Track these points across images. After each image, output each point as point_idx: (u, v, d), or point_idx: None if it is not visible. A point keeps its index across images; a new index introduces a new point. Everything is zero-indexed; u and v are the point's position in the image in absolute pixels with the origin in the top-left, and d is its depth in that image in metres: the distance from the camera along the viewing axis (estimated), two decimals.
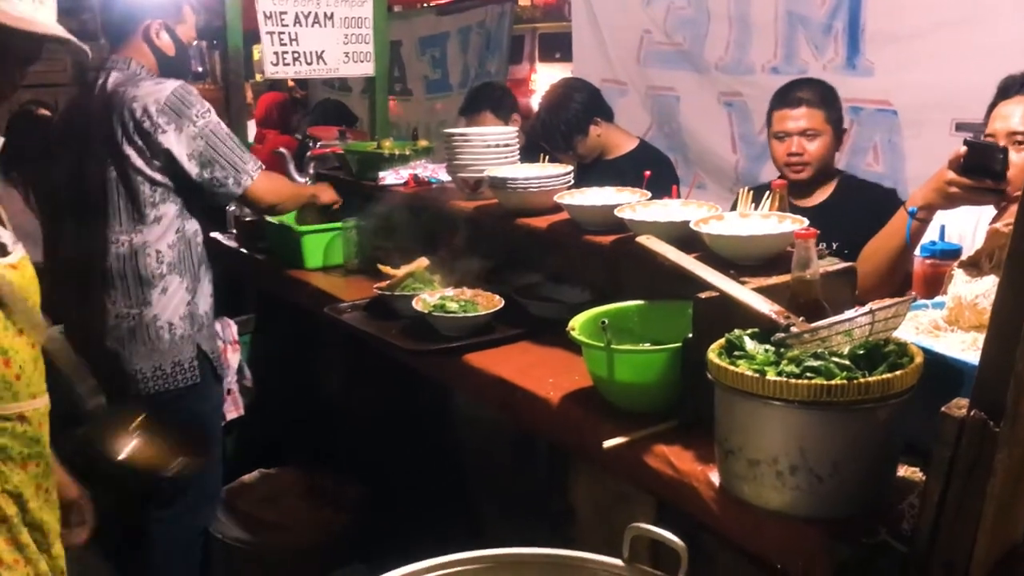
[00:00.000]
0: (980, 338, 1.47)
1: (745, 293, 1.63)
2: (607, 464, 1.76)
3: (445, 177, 2.92)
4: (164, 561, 2.69)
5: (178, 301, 2.60)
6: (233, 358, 3.08)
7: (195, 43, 2.83)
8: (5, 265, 1.62)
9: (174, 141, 2.49)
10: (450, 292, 2.38)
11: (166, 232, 2.56)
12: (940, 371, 1.44)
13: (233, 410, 3.08)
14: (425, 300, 2.34)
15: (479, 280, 2.45)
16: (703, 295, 1.67)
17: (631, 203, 2.14)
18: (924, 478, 1.42)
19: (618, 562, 1.47)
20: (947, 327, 1.62)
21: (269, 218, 3.18)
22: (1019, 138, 2.08)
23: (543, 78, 5.82)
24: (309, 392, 3.12)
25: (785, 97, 2.88)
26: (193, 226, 2.63)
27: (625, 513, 1.89)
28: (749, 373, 1.38)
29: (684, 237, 1.95)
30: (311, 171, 3.55)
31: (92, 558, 2.64)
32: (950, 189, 2.01)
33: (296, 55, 4.04)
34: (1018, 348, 1.13)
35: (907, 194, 2.57)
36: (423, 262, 2.53)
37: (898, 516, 1.40)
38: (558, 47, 8.67)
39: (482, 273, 2.47)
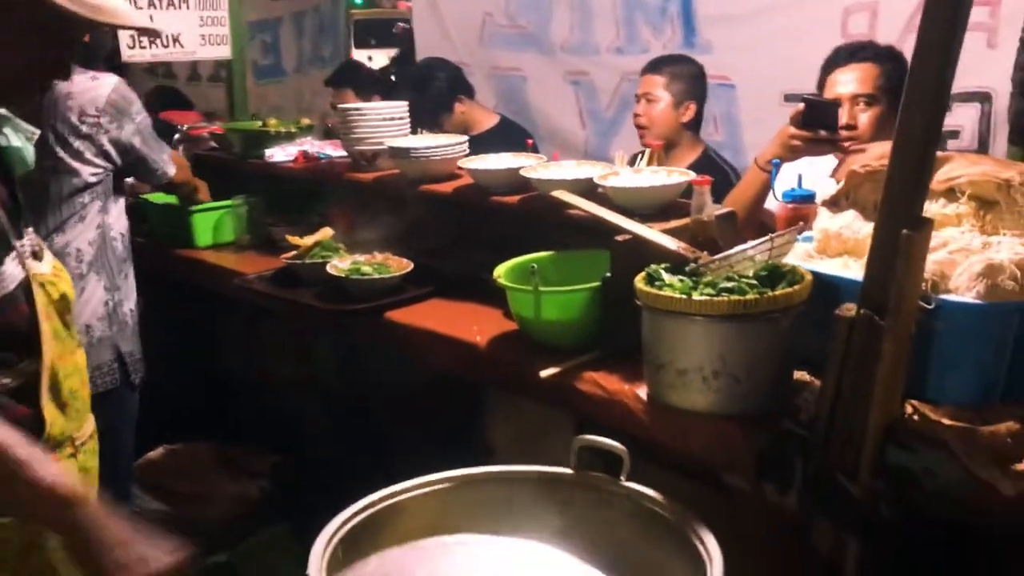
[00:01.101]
0: (848, 260, 1.80)
1: (655, 235, 1.88)
2: (541, 394, 1.97)
3: (332, 152, 3.04)
4: None
5: (96, 301, 2.53)
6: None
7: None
8: (50, 275, 1.59)
9: (114, 138, 2.49)
10: (361, 258, 2.52)
11: (86, 230, 2.50)
12: (820, 290, 1.73)
13: None
14: (338, 266, 2.47)
15: (383, 246, 2.60)
16: (620, 238, 1.91)
17: (533, 165, 2.36)
18: (812, 379, 1.72)
19: (568, 471, 1.69)
20: (817, 255, 1.93)
21: (150, 198, 3.18)
22: (863, 99, 2.45)
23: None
24: (207, 369, 3.15)
25: (646, 67, 3.35)
26: (111, 219, 2.58)
27: (543, 443, 2.12)
28: (677, 296, 1.63)
29: (586, 192, 2.19)
30: (179, 152, 3.55)
31: None
32: (792, 142, 2.34)
33: (152, 39, 3.99)
34: (896, 258, 1.43)
35: (746, 159, 2.96)
36: (328, 232, 2.64)
37: (796, 410, 1.68)
38: (372, 33, 8.86)
39: (386, 239, 2.62)
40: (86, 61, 2.60)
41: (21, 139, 2.17)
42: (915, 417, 1.52)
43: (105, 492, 2.50)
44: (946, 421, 1.49)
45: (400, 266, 2.48)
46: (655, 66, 3.31)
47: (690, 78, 3.25)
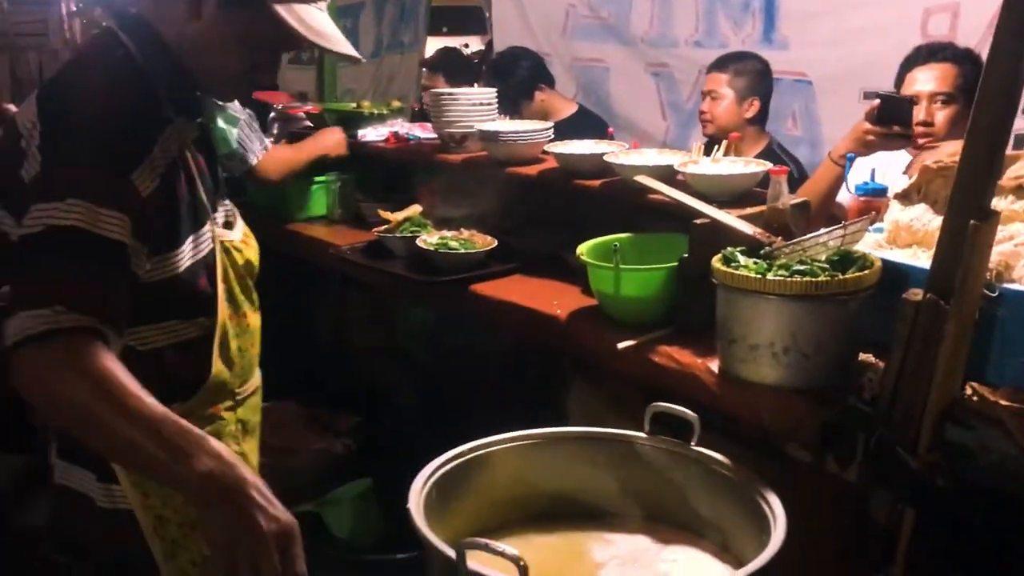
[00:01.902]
0: (917, 251, 1.89)
1: (733, 219, 2.00)
2: (618, 365, 2.10)
3: (421, 134, 3.20)
4: None
5: None
6: None
7: None
8: (238, 242, 1.73)
9: None
10: (448, 233, 2.67)
11: None
12: (888, 276, 1.83)
13: None
14: (427, 240, 2.63)
15: (470, 224, 2.75)
16: (698, 221, 2.03)
17: (615, 152, 2.49)
18: (876, 360, 1.82)
19: (642, 435, 1.82)
20: (887, 246, 2.02)
21: None
22: (940, 97, 2.53)
23: (428, 50, 6.15)
24: (300, 334, 3.34)
25: (712, 64, 3.49)
26: None
27: (615, 414, 2.25)
28: (753, 275, 1.75)
29: (666, 178, 2.31)
30: (274, 131, 3.75)
31: None
32: (867, 137, 2.43)
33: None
34: (963, 247, 1.53)
35: (823, 154, 3.03)
36: (417, 208, 2.81)
37: (860, 388, 1.79)
38: (445, 20, 9.01)
39: (472, 217, 2.77)
40: None
41: (224, 122, 2.38)
42: (974, 398, 1.62)
43: None
44: (1003, 402, 1.58)
45: (485, 243, 2.62)
46: (720, 64, 3.44)
47: (754, 74, 3.36)
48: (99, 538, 1.59)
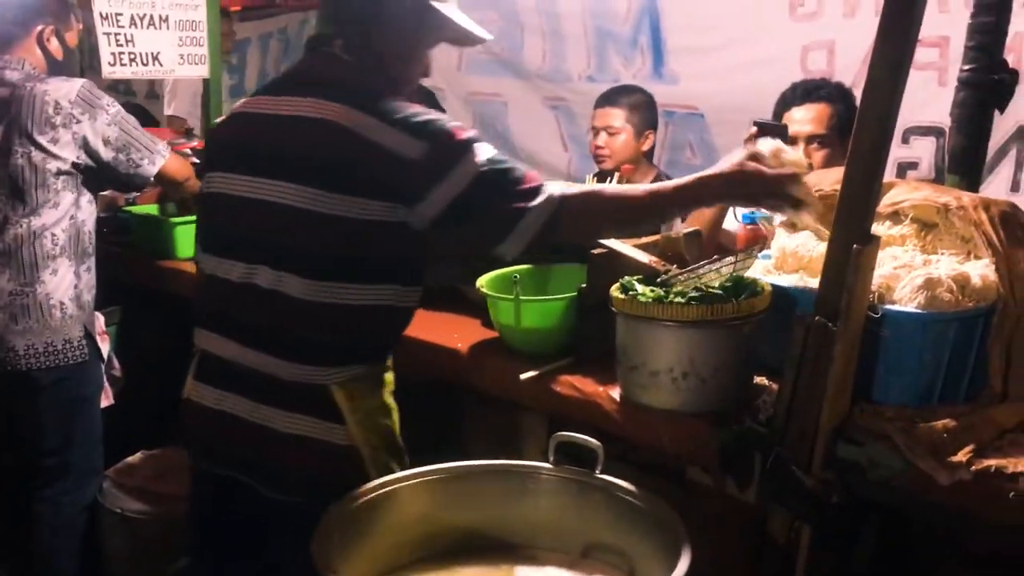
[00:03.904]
0: (804, 276, 1.97)
1: (629, 249, 2.04)
2: (520, 397, 2.11)
3: None
4: (52, 537, 2.78)
5: (67, 284, 2.73)
6: (103, 347, 3.15)
7: (76, 49, 2.95)
8: None
9: (88, 129, 2.67)
10: None
11: (62, 218, 2.70)
12: (778, 301, 1.89)
13: (104, 399, 3.15)
14: None
15: None
16: (595, 251, 2.06)
17: None
18: (770, 382, 1.88)
19: (547, 465, 1.82)
20: (775, 271, 2.09)
21: (133, 210, 3.28)
22: (816, 140, 2.65)
23: None
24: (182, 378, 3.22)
25: (602, 99, 3.51)
26: (84, 215, 2.77)
27: (518, 445, 2.26)
28: (651, 303, 1.78)
29: None
30: None
31: None
32: None
33: (132, 56, 4.08)
34: (847, 270, 1.60)
35: None
36: None
37: (756, 409, 1.84)
38: None
39: None
40: (59, 71, 2.79)
41: None
42: (863, 415, 1.68)
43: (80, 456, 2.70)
44: (890, 419, 1.65)
45: None
46: (609, 99, 3.45)
47: (647, 108, 3.43)
48: (331, 475, 1.77)
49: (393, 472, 1.80)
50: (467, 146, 1.71)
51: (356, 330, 1.80)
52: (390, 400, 1.91)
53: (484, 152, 1.72)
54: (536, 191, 1.71)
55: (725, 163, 1.76)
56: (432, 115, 1.74)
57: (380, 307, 1.80)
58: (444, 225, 1.72)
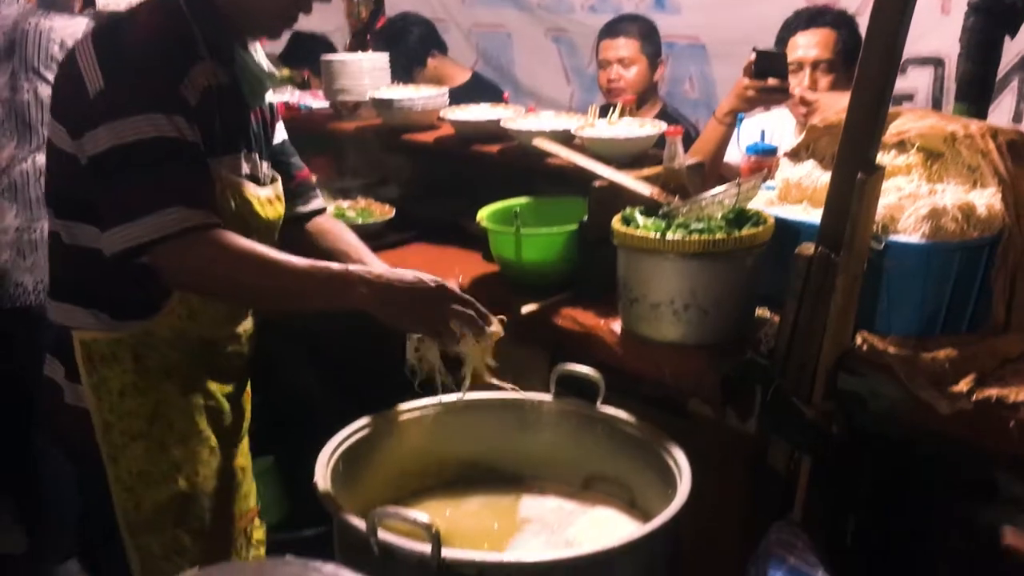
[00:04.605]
0: (807, 206, 1.95)
1: (630, 181, 2.01)
2: (520, 330, 2.10)
3: (313, 103, 3.12)
4: (56, 473, 2.80)
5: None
6: None
7: None
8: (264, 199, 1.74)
9: None
10: (344, 203, 2.62)
11: None
12: (781, 232, 1.87)
13: None
14: None
15: (365, 193, 2.70)
16: (597, 184, 2.04)
17: (512, 116, 2.47)
18: (772, 315, 1.87)
19: (548, 398, 1.83)
20: (779, 203, 2.07)
21: None
22: (822, 65, 2.60)
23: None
24: None
25: (608, 30, 3.36)
26: None
27: (518, 380, 2.26)
28: (652, 235, 1.76)
29: (563, 142, 2.31)
30: None
31: None
32: (747, 93, 2.50)
33: None
34: (851, 200, 1.58)
35: None
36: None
37: (757, 341, 1.83)
38: None
39: (367, 187, 2.72)
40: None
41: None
42: (864, 347, 1.67)
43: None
44: (891, 349, 1.64)
45: (383, 212, 2.58)
46: (618, 29, 3.34)
47: (655, 36, 3.36)
48: (65, 428, 1.73)
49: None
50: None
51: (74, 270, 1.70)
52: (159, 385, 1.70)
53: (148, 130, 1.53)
54: (154, 203, 1.51)
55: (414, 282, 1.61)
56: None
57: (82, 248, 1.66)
58: (96, 173, 1.56)
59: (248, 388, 1.92)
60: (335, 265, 1.61)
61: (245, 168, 1.72)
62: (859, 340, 1.68)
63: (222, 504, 1.78)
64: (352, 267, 1.62)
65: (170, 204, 1.51)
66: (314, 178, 2.06)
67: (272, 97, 3.16)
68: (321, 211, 1.99)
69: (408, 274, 1.62)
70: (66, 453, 1.84)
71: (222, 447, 1.78)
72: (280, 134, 1.93)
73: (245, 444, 1.92)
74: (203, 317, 1.70)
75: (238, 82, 1.70)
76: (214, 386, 1.77)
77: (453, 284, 1.65)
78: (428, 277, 1.62)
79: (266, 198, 1.75)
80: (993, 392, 1.52)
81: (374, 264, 1.83)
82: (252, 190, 1.71)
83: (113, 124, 1.51)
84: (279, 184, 1.81)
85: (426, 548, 1.28)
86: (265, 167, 1.79)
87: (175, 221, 1.51)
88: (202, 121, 1.59)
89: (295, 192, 1.92)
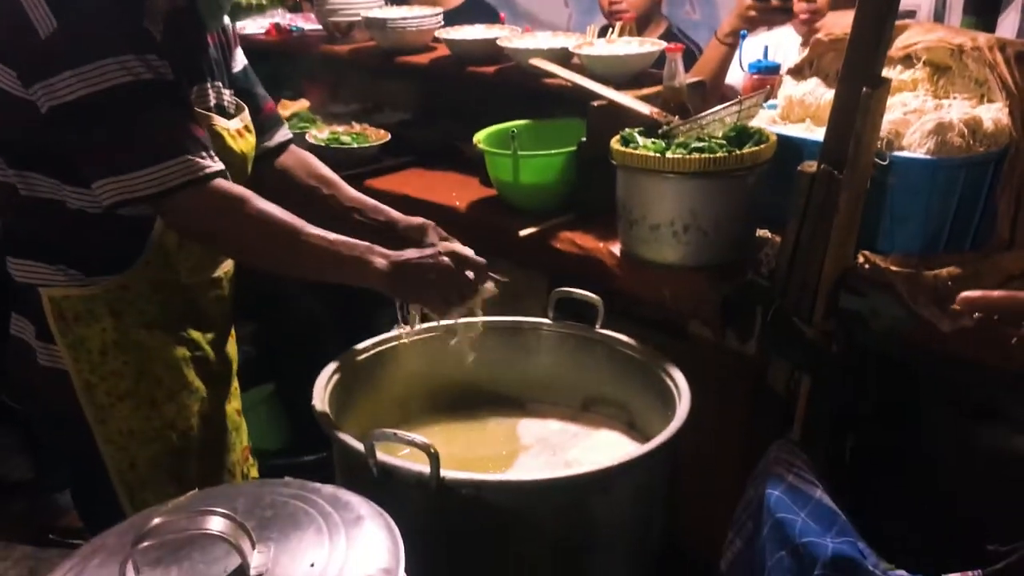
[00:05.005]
0: (811, 124, 1.91)
1: (630, 100, 1.97)
2: (519, 254, 2.08)
3: (304, 25, 3.05)
4: None
5: None
6: None
7: None
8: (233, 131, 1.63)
9: None
10: (339, 128, 2.57)
11: None
12: (783, 151, 1.84)
13: None
14: (316, 136, 2.53)
15: (360, 117, 2.65)
16: (595, 103, 1.99)
17: (508, 36, 2.41)
18: (773, 236, 1.85)
19: (547, 321, 1.82)
20: (781, 121, 2.03)
21: None
22: None
23: None
24: None
25: None
26: None
27: (517, 303, 2.24)
28: (652, 154, 1.73)
29: (561, 61, 2.26)
30: None
31: None
32: (749, 13, 2.47)
33: None
34: (856, 115, 1.54)
35: None
36: (304, 103, 2.69)
37: (758, 262, 1.81)
38: None
39: (362, 111, 2.67)
40: None
41: None
42: (866, 265, 1.65)
43: None
44: (894, 268, 1.62)
45: (378, 136, 2.54)
46: None
47: None
48: (40, 390, 1.63)
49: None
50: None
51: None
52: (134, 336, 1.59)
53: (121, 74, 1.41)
54: (151, 156, 1.42)
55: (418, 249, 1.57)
56: None
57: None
58: (66, 124, 1.44)
59: (232, 333, 1.82)
60: (359, 244, 1.51)
61: (211, 99, 1.60)
62: (861, 259, 1.66)
63: (218, 451, 1.72)
64: (374, 248, 1.52)
65: (174, 153, 1.43)
66: (281, 110, 1.96)
67: (263, 19, 3.13)
68: (289, 143, 1.86)
69: (425, 251, 1.54)
70: (43, 416, 1.71)
71: (213, 396, 1.70)
72: (240, 60, 1.78)
73: (235, 387, 1.83)
74: (181, 264, 1.61)
75: (194, 3, 1.57)
76: (198, 335, 1.68)
77: (466, 251, 1.58)
78: (444, 251, 1.54)
79: (236, 130, 1.64)
80: None
81: (353, 196, 1.78)
82: (222, 123, 1.60)
83: (79, 70, 1.38)
84: (246, 114, 1.69)
85: (425, 469, 1.28)
86: (228, 96, 1.67)
87: (181, 172, 1.43)
88: (170, 53, 1.47)
89: (263, 126, 1.77)
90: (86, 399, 1.57)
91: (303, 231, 1.49)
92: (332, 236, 1.51)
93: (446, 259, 1.52)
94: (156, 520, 1.02)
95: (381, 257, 1.50)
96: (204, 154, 1.46)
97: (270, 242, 1.50)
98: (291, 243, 1.49)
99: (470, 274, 1.55)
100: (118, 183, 1.42)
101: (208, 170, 1.45)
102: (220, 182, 1.48)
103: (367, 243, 1.53)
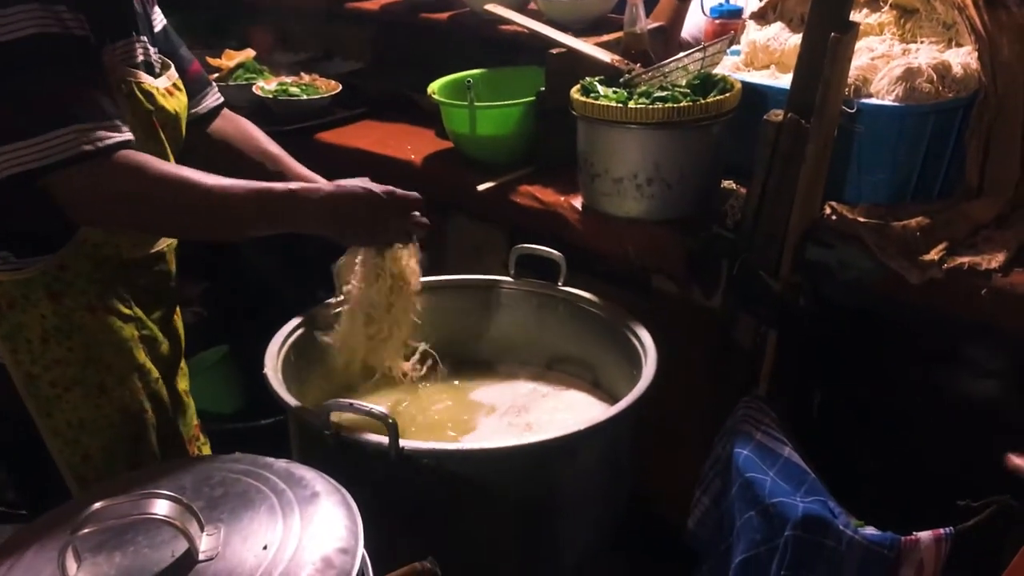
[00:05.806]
0: (775, 71, 1.85)
1: (589, 48, 1.90)
2: (478, 209, 2.02)
3: None
4: None
5: None
6: None
7: None
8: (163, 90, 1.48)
9: None
10: (288, 79, 2.47)
11: None
12: (748, 99, 1.79)
13: None
14: (264, 87, 2.42)
15: (309, 67, 2.55)
16: (554, 51, 1.92)
17: None
18: (738, 187, 1.80)
19: (508, 279, 1.76)
20: (745, 68, 1.98)
21: None
22: None
23: None
24: None
25: None
26: None
27: (477, 260, 2.19)
28: (613, 104, 1.67)
29: (518, 7, 2.17)
30: None
31: None
32: None
33: None
34: (824, 59, 1.49)
35: None
36: (250, 53, 2.57)
37: (723, 215, 1.77)
38: None
39: (311, 60, 2.57)
40: None
41: None
42: (833, 216, 1.61)
43: None
44: (861, 219, 1.58)
45: (329, 87, 2.44)
46: None
47: None
48: None
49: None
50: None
51: None
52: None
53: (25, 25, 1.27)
54: (43, 120, 1.27)
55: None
56: None
57: None
58: None
59: (177, 309, 1.70)
60: (277, 185, 1.43)
61: (139, 55, 1.44)
62: (828, 210, 1.62)
63: (171, 433, 1.62)
64: (296, 186, 1.45)
65: (62, 121, 1.26)
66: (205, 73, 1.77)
67: None
68: (220, 108, 1.72)
69: (356, 184, 1.48)
70: None
71: (163, 375, 1.59)
72: (159, 20, 1.61)
73: (183, 365, 1.73)
74: (121, 239, 1.46)
75: None
76: (143, 314, 1.55)
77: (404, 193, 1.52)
78: (377, 187, 1.49)
79: (165, 88, 1.49)
80: (965, 260, 1.47)
81: (301, 173, 1.66)
82: (150, 81, 1.45)
83: None
84: (173, 71, 1.54)
85: (383, 440, 1.23)
86: (154, 53, 1.52)
87: (70, 144, 1.26)
88: (87, 4, 1.31)
89: (190, 91, 1.61)
90: (28, 392, 1.44)
91: (214, 181, 1.36)
92: (250, 183, 1.40)
93: (380, 193, 1.47)
94: (97, 504, 0.97)
95: (312, 194, 1.44)
96: (103, 124, 1.29)
97: (185, 209, 1.36)
98: (209, 201, 1.36)
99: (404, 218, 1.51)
100: (11, 152, 1.26)
101: (104, 142, 1.28)
102: (123, 154, 1.31)
103: (288, 186, 1.44)
